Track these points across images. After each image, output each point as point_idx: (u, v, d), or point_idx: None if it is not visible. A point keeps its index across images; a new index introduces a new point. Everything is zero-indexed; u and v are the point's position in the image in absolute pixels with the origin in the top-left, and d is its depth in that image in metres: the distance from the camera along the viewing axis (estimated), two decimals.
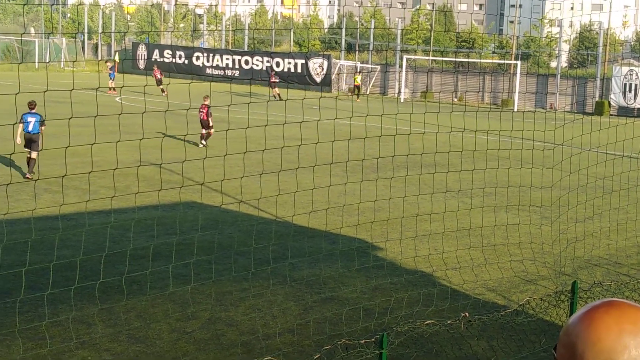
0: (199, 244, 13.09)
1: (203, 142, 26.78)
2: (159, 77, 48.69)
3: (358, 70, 59.60)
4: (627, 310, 1.63)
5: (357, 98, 51.58)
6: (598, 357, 1.58)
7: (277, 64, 62.58)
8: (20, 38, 67.19)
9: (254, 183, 17.81)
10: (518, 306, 9.21)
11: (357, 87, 54.88)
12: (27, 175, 19.47)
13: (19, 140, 19.46)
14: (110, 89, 47.02)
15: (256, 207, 16.46)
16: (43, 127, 19.76)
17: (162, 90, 44.33)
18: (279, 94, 46.55)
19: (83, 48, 78.86)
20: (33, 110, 19.73)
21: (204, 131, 26.65)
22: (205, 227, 14.37)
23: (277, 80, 51.12)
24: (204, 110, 26.78)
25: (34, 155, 19.51)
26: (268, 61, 63.24)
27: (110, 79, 48.81)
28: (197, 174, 19.09)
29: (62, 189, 17.02)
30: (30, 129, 19.63)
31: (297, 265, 12.91)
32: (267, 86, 47.91)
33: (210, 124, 26.38)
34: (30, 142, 19.65)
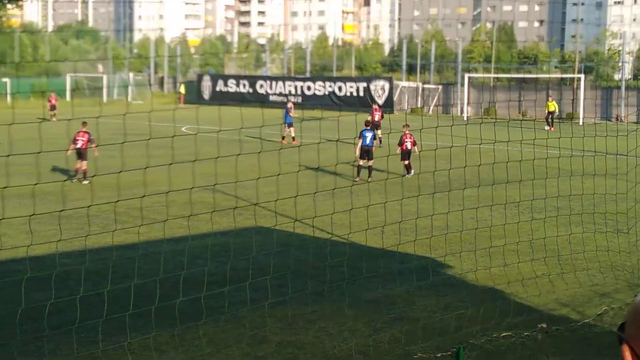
0: (269, 268, 13.01)
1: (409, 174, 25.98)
2: (54, 102, 52.25)
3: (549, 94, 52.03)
4: None
5: (552, 126, 45.36)
6: None
7: (340, 89, 62.69)
8: (88, 74, 68.71)
9: (323, 205, 17.72)
10: (596, 316, 8.92)
11: (551, 114, 47.30)
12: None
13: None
14: None
15: (323, 230, 16.36)
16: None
17: (52, 116, 48.98)
18: (380, 138, 34.54)
19: (150, 82, 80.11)
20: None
21: (370, 162, 25.61)
22: (275, 251, 14.31)
23: (379, 120, 37.56)
24: (408, 140, 26.08)
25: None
26: (330, 86, 63.42)
27: None
28: (263, 198, 19.09)
29: (133, 219, 17.16)
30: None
31: (367, 286, 12.75)
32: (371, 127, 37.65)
33: (415, 151, 25.59)
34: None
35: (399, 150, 26.07)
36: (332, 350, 9.90)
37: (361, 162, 25.30)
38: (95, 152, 24.51)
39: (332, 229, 15.98)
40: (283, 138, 36.51)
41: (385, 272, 13.39)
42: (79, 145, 24.39)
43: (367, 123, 26.19)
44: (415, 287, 12.55)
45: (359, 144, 25.47)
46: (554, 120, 47.06)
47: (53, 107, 51.83)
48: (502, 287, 12.59)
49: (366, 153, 25.37)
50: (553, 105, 47.85)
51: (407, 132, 26.15)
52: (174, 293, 11.11)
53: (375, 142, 26.66)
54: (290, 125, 36.79)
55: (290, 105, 39.15)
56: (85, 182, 24.11)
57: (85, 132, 24.57)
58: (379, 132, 35.97)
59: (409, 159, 26.04)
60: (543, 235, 14.88)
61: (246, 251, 14.44)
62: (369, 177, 24.88)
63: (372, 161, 25.37)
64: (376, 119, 36.87)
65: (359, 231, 14.97)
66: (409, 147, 26.01)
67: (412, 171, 25.89)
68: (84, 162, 24.41)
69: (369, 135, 25.46)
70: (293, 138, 36.32)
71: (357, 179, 24.52)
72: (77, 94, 68.05)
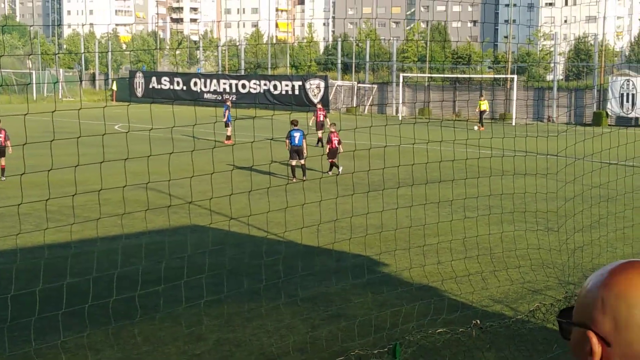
0: (205, 266, 13.05)
1: (331, 171, 26.39)
2: None
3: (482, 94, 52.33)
4: None
5: (482, 126, 45.67)
6: None
7: (275, 87, 62.69)
8: (17, 71, 67.46)
9: (259, 203, 17.79)
10: (528, 312, 9.18)
11: (482, 113, 48.21)
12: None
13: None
14: None
15: (259, 228, 16.44)
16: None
17: None
18: (320, 138, 35.53)
19: (81, 78, 79.06)
20: None
21: (302, 161, 25.68)
22: (211, 250, 14.34)
23: (324, 120, 37.18)
24: (336, 138, 26.35)
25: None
26: (265, 84, 63.37)
27: None
28: (198, 197, 19.09)
29: (65, 218, 17.00)
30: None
31: (304, 284, 12.87)
32: (315, 127, 36.90)
33: (340, 150, 26.01)
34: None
35: (327, 149, 26.39)
36: (270, 347, 10.00)
37: (293, 163, 25.38)
38: (9, 150, 24.46)
39: (268, 228, 16.08)
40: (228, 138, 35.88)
41: (321, 270, 13.54)
42: None
43: (294, 122, 26.14)
44: (351, 285, 12.71)
45: (288, 145, 25.56)
46: (484, 120, 47.85)
47: None
48: (436, 284, 12.83)
49: (297, 153, 25.45)
50: (485, 104, 48.66)
51: (333, 130, 26.52)
52: (107, 292, 11.08)
53: (305, 142, 26.75)
54: (228, 124, 36.43)
55: (229, 103, 38.77)
56: (3, 178, 23.93)
57: (2, 128, 24.51)
58: (320, 133, 35.99)
59: (335, 157, 26.32)
60: (476, 233, 15.18)
61: (181, 250, 14.44)
62: (303, 175, 25.00)
63: (304, 160, 25.47)
64: (320, 119, 36.82)
65: (295, 229, 15.10)
66: (336, 145, 26.31)
67: (337, 169, 26.11)
68: (2, 159, 24.32)
69: (297, 135, 25.53)
70: (228, 137, 36.00)
71: (294, 180, 24.61)
72: (5, 91, 66.81)
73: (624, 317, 1.58)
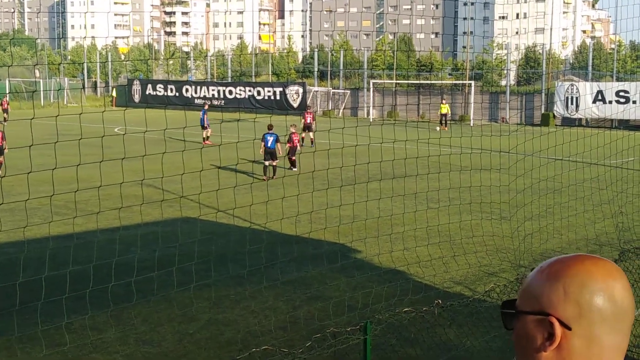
0: (196, 254, 13.00)
1: (295, 168, 25.95)
2: (6, 106, 51.51)
3: (443, 99, 52.58)
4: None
5: (445, 126, 46.55)
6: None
7: (259, 93, 62.48)
8: (26, 79, 66.72)
9: (244, 197, 17.74)
10: (484, 293, 9.20)
11: (444, 115, 48.47)
12: None
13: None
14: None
15: (243, 219, 16.39)
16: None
17: (5, 119, 46.99)
18: (312, 139, 34.91)
19: (84, 86, 78.48)
20: None
21: (274, 162, 24.87)
22: (201, 239, 14.29)
23: (313, 122, 36.02)
24: (296, 138, 26.10)
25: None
26: (250, 90, 63.14)
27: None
28: (189, 192, 19.01)
29: (71, 212, 16.87)
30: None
31: (284, 269, 12.84)
32: (303, 128, 35.36)
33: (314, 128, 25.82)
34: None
35: (287, 147, 25.98)
36: (255, 326, 9.97)
37: (266, 163, 24.72)
38: (5, 150, 24.54)
39: (251, 219, 16.03)
40: (206, 139, 35.44)
41: (299, 256, 13.50)
42: None
43: (269, 127, 25.64)
44: (327, 270, 12.70)
45: (262, 147, 24.99)
46: (447, 121, 47.99)
47: (5, 110, 51.23)
48: (402, 268, 12.84)
49: (269, 155, 24.89)
50: (445, 108, 48.79)
51: (294, 131, 26.21)
52: (108, 278, 11.01)
53: (281, 145, 26.26)
54: (207, 126, 35.67)
55: (206, 107, 37.92)
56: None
57: (1, 131, 24.69)
58: (311, 133, 35.47)
59: (294, 155, 26.07)
60: (437, 222, 15.20)
61: (174, 239, 14.38)
62: (273, 175, 24.37)
63: (276, 161, 24.96)
64: (308, 121, 36.24)
65: (276, 220, 15.06)
66: (296, 144, 26.03)
67: (295, 169, 25.82)
68: (2, 157, 24.37)
69: (270, 138, 24.84)
70: (207, 138, 35.30)
71: (264, 178, 24.04)
72: (15, 97, 66.15)
73: (586, 303, 1.57)
